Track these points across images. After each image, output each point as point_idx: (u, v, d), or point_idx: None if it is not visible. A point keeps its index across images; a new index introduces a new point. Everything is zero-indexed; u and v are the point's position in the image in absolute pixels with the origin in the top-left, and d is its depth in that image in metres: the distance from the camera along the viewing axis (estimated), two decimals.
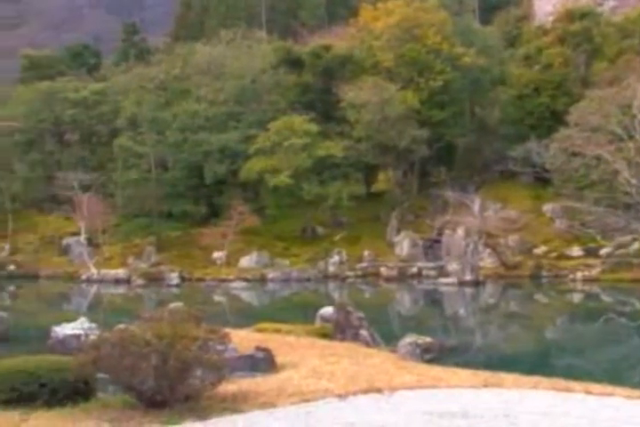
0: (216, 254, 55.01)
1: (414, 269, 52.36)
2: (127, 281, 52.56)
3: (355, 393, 13.03)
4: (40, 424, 11.06)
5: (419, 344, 21.26)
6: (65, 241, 59.67)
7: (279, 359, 17.05)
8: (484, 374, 15.35)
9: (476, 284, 47.45)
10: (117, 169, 60.89)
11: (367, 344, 21.50)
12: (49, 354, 16.43)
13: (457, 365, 17.92)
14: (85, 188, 59.06)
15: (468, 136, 61.23)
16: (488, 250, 51.12)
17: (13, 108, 68.94)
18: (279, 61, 63.40)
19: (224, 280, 51.79)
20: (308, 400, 12.61)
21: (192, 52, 67.56)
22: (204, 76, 64.54)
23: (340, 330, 22.42)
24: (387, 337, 23.10)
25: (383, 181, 63.11)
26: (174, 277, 51.66)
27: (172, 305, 22.11)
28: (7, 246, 60.26)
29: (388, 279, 51.51)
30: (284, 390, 13.37)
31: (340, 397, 12.83)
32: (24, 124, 66.96)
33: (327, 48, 61.40)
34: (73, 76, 72.20)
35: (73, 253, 58.28)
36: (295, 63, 62.49)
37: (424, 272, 51.84)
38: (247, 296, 48.17)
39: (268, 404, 12.40)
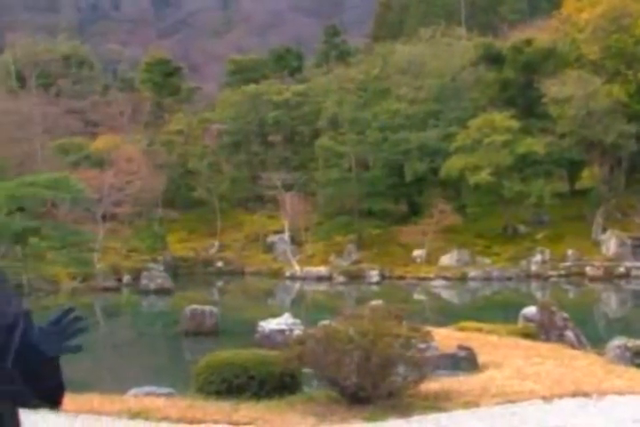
0: (416, 253, 55.02)
1: (622, 269, 50.38)
2: (328, 278, 53.48)
3: (561, 396, 12.68)
4: (249, 415, 11.47)
5: (629, 347, 20.35)
6: (269, 239, 61.34)
7: (481, 359, 16.86)
8: None
9: None
10: (319, 168, 62.11)
11: (572, 346, 20.86)
12: (256, 348, 17.06)
13: None
14: (288, 187, 60.55)
15: None
16: None
17: (221, 111, 71.91)
18: (479, 58, 62.61)
19: (424, 278, 51.69)
20: (512, 401, 12.40)
21: (391, 51, 67.84)
22: (403, 76, 64.72)
23: (543, 330, 21.89)
24: (593, 339, 22.32)
25: (588, 177, 61.16)
26: (374, 275, 52.08)
27: (373, 303, 22.40)
28: (216, 244, 62.56)
29: (594, 279, 49.78)
30: (487, 389, 13.20)
31: (546, 399, 12.54)
32: (231, 127, 69.56)
33: (529, 42, 59.96)
34: (276, 78, 74.25)
35: (277, 250, 59.88)
36: (495, 59, 61.46)
37: (632, 272, 49.77)
38: (447, 295, 47.88)
39: (471, 403, 12.29)
